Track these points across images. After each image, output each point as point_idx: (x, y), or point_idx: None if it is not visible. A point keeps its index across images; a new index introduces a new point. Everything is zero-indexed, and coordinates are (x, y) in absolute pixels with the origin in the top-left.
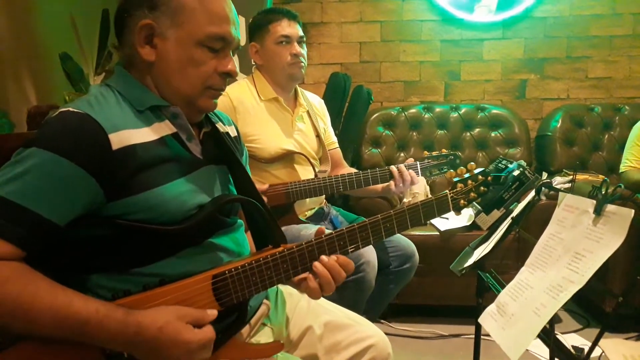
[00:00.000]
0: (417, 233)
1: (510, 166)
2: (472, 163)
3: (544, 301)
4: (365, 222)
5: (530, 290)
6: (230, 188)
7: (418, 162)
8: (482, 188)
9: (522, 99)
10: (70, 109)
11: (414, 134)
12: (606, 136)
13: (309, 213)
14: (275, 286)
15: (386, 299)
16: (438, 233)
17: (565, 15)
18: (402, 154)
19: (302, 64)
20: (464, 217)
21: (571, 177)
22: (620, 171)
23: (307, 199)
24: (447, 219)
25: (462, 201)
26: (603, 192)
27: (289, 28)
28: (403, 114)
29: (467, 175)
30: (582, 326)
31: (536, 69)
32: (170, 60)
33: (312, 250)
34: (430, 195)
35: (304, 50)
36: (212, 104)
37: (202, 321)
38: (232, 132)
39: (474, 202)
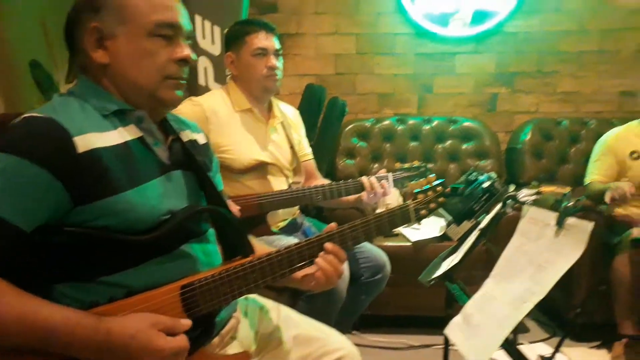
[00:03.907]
0: (389, 244)
1: (481, 178)
2: (432, 175)
3: (507, 312)
4: (333, 232)
5: (494, 301)
6: (199, 194)
7: (390, 174)
8: (441, 199)
9: (493, 112)
10: (34, 114)
11: (388, 145)
12: (573, 149)
13: (282, 224)
14: (245, 299)
15: (358, 310)
16: (410, 244)
17: (536, 31)
18: (376, 165)
19: (277, 76)
20: (436, 228)
21: (537, 190)
22: (585, 183)
23: (280, 210)
24: (418, 229)
25: (423, 211)
26: (564, 205)
27: (265, 41)
28: (377, 126)
29: (427, 186)
30: (549, 335)
31: (507, 83)
32: (123, 58)
33: (282, 260)
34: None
35: (279, 63)
36: (175, 95)
37: (176, 330)
38: (201, 140)
39: (442, 211)
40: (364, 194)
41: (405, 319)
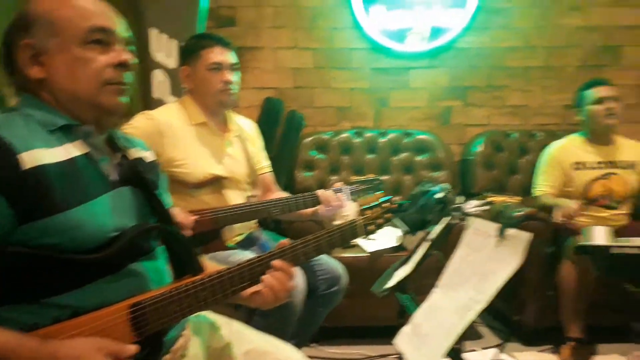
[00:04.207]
0: (346, 255)
1: (434, 189)
2: (381, 192)
3: (453, 321)
4: (284, 248)
5: (441, 310)
6: (148, 212)
7: (346, 186)
8: (388, 214)
9: (447, 125)
10: None
11: (346, 157)
12: (522, 160)
13: (238, 238)
14: (195, 316)
15: (315, 323)
16: (367, 254)
17: (486, 47)
18: (334, 177)
19: (233, 90)
20: (392, 238)
21: (487, 200)
22: (533, 195)
23: (237, 225)
24: (374, 240)
25: (371, 227)
26: (506, 217)
27: (220, 55)
28: (335, 139)
29: (375, 203)
30: (502, 341)
31: (460, 97)
32: (60, 70)
33: (232, 277)
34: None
35: (236, 77)
36: (117, 101)
37: (122, 354)
38: (149, 157)
39: (398, 221)
40: (320, 207)
41: (363, 329)
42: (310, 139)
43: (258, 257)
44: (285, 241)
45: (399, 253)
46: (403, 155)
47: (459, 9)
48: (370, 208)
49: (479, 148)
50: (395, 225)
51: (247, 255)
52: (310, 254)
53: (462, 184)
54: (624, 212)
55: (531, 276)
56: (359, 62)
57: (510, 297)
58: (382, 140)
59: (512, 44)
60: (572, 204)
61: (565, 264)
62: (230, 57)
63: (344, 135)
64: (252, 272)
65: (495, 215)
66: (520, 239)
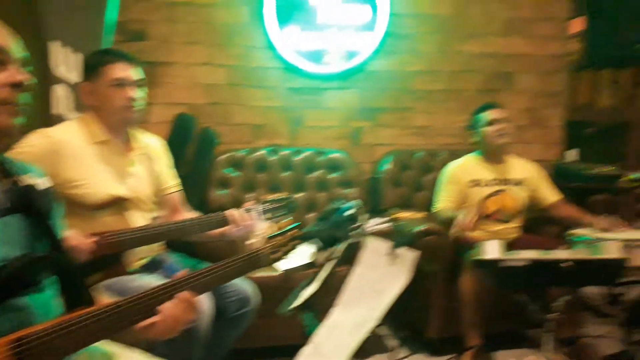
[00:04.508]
0: (258, 274)
1: (345, 206)
2: (289, 219)
3: (350, 338)
4: (181, 279)
5: (339, 328)
6: (38, 241)
7: (257, 206)
8: (295, 241)
9: (358, 144)
10: None
11: (261, 175)
12: (427, 177)
13: (142, 262)
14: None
15: (225, 346)
16: (280, 273)
17: (394, 70)
18: (250, 195)
19: (137, 108)
20: (306, 255)
21: (389, 217)
22: (434, 210)
23: (140, 248)
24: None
25: (277, 254)
26: (398, 236)
27: (124, 71)
28: (251, 156)
29: (281, 231)
30: (411, 352)
31: (370, 117)
32: None
33: (128, 309)
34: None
35: (141, 94)
36: (9, 121)
37: None
38: (42, 185)
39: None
40: (230, 228)
41: (276, 349)
42: (224, 156)
43: (155, 288)
44: (184, 272)
45: (313, 270)
46: (317, 173)
47: (369, 33)
48: (277, 236)
49: (387, 166)
50: (309, 242)
51: (151, 280)
52: (211, 285)
53: (372, 201)
54: (516, 225)
55: (435, 288)
56: (274, 81)
57: (418, 309)
58: (297, 158)
59: (418, 68)
60: (468, 215)
61: (465, 276)
62: (134, 73)
63: (260, 152)
64: (148, 304)
65: (396, 231)
66: (409, 257)
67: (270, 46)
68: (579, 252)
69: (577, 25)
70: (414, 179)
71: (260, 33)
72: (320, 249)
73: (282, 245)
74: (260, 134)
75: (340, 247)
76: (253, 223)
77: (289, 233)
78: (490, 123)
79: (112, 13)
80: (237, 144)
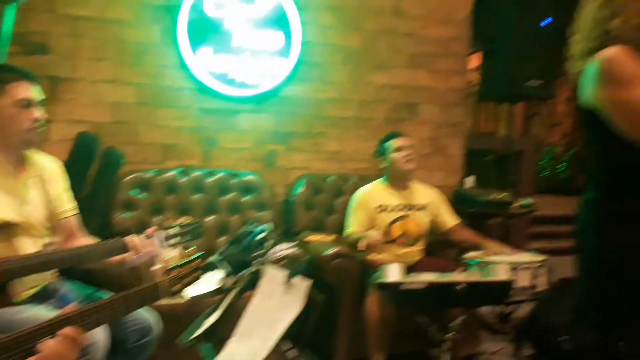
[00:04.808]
0: (163, 302)
1: (257, 229)
2: (194, 248)
3: None
4: (68, 315)
5: (235, 359)
6: None
7: (159, 232)
8: (198, 272)
9: (272, 167)
10: None
11: (170, 197)
12: (338, 201)
13: (31, 291)
14: None
15: None
16: (186, 300)
17: (307, 97)
18: (157, 218)
19: (41, 129)
20: (214, 281)
21: (295, 242)
22: (345, 234)
23: (29, 276)
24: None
25: (177, 286)
26: (293, 265)
27: (28, 91)
28: (159, 177)
29: (184, 261)
30: None
31: (283, 141)
32: None
33: (3, 349)
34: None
35: (44, 114)
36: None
37: None
38: None
39: (221, 262)
40: (129, 255)
41: None
42: (130, 177)
43: (36, 326)
44: (71, 306)
45: (220, 297)
46: (230, 195)
47: (282, 59)
48: (179, 267)
49: (300, 190)
50: (217, 267)
51: (40, 311)
52: (103, 321)
53: (286, 224)
54: (419, 249)
55: (343, 311)
56: (187, 101)
57: (325, 331)
58: (209, 179)
59: (330, 95)
60: (374, 235)
61: (370, 298)
62: (37, 93)
63: (169, 174)
64: (27, 342)
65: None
66: (302, 286)
67: (183, 66)
68: (472, 274)
69: (475, 61)
70: (326, 202)
71: (173, 53)
72: (229, 274)
73: (184, 276)
74: (170, 155)
75: (245, 274)
76: (154, 250)
77: (192, 263)
78: (398, 150)
79: (7, 24)
80: (145, 165)
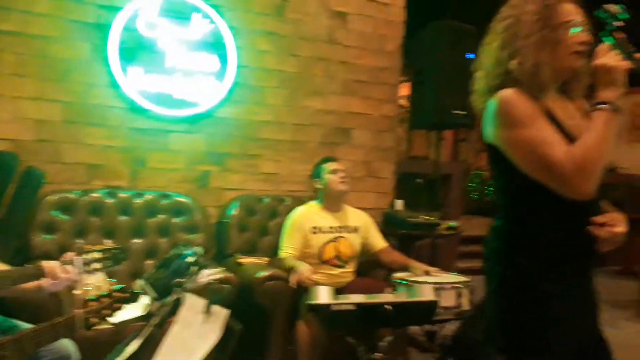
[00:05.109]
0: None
1: (186, 252)
2: (114, 280)
3: None
4: None
5: None
6: None
7: (78, 257)
8: (117, 304)
9: (205, 188)
10: None
11: (95, 219)
12: (273, 223)
13: None
14: None
15: None
16: (110, 326)
17: (242, 119)
18: (80, 241)
19: None
20: (139, 307)
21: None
22: (279, 256)
23: None
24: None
25: (94, 319)
26: (213, 294)
27: None
28: (84, 198)
29: (103, 293)
30: None
31: (218, 162)
32: None
33: None
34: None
35: None
36: None
37: None
38: None
39: (147, 287)
40: (45, 281)
41: None
42: (51, 198)
43: None
44: None
45: (145, 323)
46: (160, 217)
47: (217, 81)
48: (98, 299)
49: (234, 211)
50: (143, 292)
51: None
52: (11, 358)
53: (218, 246)
54: (350, 270)
55: (274, 333)
56: (116, 120)
57: (258, 354)
58: (137, 201)
59: (265, 118)
60: (304, 269)
61: (301, 320)
62: None
63: (95, 194)
64: None
65: (210, 289)
66: (220, 314)
67: (114, 85)
68: (399, 295)
69: (405, 90)
70: (260, 224)
71: (103, 71)
72: (155, 300)
73: (101, 309)
74: (96, 175)
75: (167, 301)
76: (73, 276)
77: (112, 295)
78: (333, 172)
79: None
80: (69, 185)
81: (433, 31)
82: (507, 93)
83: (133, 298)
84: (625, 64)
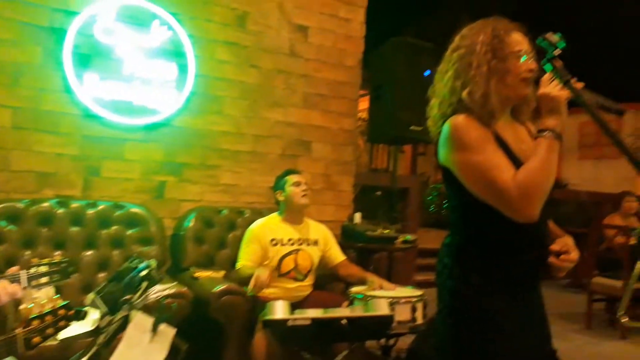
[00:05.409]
0: None
1: (140, 266)
2: (58, 296)
3: None
4: None
5: None
6: None
7: (22, 272)
8: (62, 322)
9: (161, 198)
10: None
11: (45, 230)
12: (231, 235)
13: None
14: None
15: None
16: (56, 342)
17: (201, 129)
18: (28, 253)
19: None
20: (88, 322)
21: (170, 285)
22: (236, 267)
23: None
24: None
25: (36, 339)
26: (161, 312)
27: None
28: (33, 208)
29: (48, 310)
30: None
31: (175, 172)
32: None
33: None
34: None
35: None
36: None
37: None
38: None
39: (98, 300)
40: None
41: None
42: None
43: None
44: None
45: (95, 338)
46: (113, 228)
47: (175, 90)
48: (40, 317)
49: (191, 223)
50: (95, 306)
51: None
52: None
53: (173, 259)
54: (308, 283)
55: (230, 348)
56: (70, 127)
57: None
58: (90, 211)
59: (225, 129)
60: (262, 273)
61: (258, 335)
62: None
63: (45, 204)
64: None
65: (158, 307)
66: (167, 333)
67: (68, 91)
68: (355, 309)
69: (366, 104)
70: (218, 236)
71: (57, 76)
72: (105, 315)
73: (45, 327)
74: (47, 184)
75: (115, 318)
76: (14, 292)
77: (56, 313)
78: (295, 185)
79: None
80: (17, 194)
81: (392, 47)
82: (459, 119)
83: (79, 315)
84: (566, 94)
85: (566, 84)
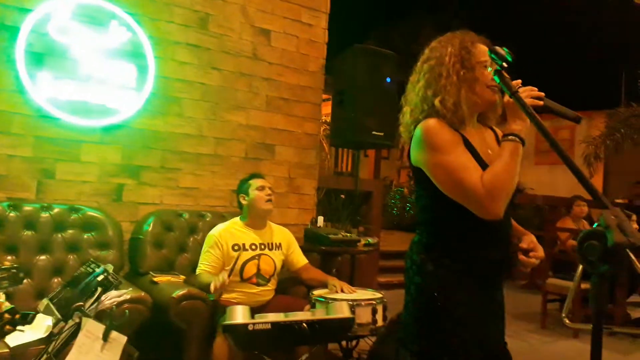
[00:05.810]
0: None
1: (96, 271)
2: (2, 300)
3: None
4: None
5: None
6: None
7: None
8: (7, 327)
9: (119, 202)
10: None
11: None
12: (191, 239)
13: None
14: None
15: None
16: (6, 351)
17: (160, 131)
18: None
19: None
20: (41, 329)
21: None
22: (196, 273)
23: None
24: (22, 331)
25: None
26: (113, 319)
27: None
28: None
29: None
30: None
31: (133, 175)
32: None
33: None
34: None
35: None
36: None
37: None
38: None
39: (51, 306)
40: None
41: None
42: None
43: None
44: None
45: (45, 347)
46: (69, 232)
47: (134, 91)
48: None
49: (150, 227)
50: (48, 312)
51: None
52: None
53: (131, 263)
54: (271, 288)
55: (190, 353)
56: (22, 127)
57: None
58: (44, 215)
59: (185, 131)
60: (221, 278)
61: (218, 340)
62: None
63: None
64: None
65: (110, 314)
66: (119, 341)
67: (20, 90)
68: (316, 312)
69: (328, 110)
70: (178, 240)
71: (9, 75)
72: (58, 321)
73: None
74: None
75: (68, 326)
76: None
77: (4, 316)
78: (260, 189)
79: None
80: None
81: (354, 54)
82: (431, 122)
83: (26, 320)
84: (531, 101)
85: (513, 95)
